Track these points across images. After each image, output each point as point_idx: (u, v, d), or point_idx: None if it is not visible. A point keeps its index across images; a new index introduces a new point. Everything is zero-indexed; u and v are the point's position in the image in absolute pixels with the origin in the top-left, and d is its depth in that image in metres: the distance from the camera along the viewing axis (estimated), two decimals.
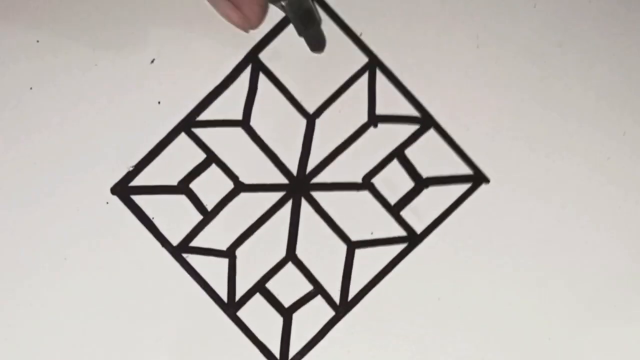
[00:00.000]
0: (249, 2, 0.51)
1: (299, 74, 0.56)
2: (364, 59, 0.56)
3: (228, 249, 0.55)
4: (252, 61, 0.56)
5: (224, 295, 0.55)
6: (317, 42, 0.55)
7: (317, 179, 0.56)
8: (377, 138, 0.56)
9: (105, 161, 0.54)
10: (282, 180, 0.56)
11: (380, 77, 0.57)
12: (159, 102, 0.55)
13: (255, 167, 0.55)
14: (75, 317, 0.54)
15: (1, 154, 0.54)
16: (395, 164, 0.56)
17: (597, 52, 0.59)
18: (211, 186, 0.55)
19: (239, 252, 0.55)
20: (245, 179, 0.55)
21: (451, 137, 0.57)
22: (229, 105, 0.55)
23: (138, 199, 0.54)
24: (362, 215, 0.56)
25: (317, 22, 0.53)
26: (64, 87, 0.54)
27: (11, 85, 0.54)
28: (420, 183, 0.56)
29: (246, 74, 0.56)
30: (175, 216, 0.55)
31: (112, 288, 0.54)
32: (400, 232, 0.56)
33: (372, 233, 0.56)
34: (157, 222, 0.55)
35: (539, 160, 0.58)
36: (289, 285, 0.56)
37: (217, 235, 0.55)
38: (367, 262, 0.56)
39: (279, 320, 0.55)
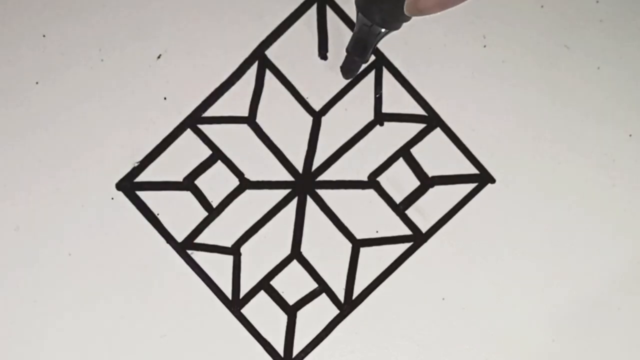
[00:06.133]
0: None
1: (305, 71, 0.55)
2: (371, 57, 0.56)
3: (233, 246, 0.54)
4: (259, 58, 0.55)
5: (228, 293, 0.54)
6: (349, 69, 0.53)
7: (322, 177, 0.55)
8: (383, 136, 0.55)
9: (111, 157, 0.53)
10: (288, 177, 0.55)
11: (387, 75, 0.56)
12: (165, 98, 0.54)
13: (261, 164, 0.54)
14: (79, 313, 0.53)
15: (6, 149, 0.53)
16: (401, 162, 0.56)
17: (604, 54, 0.58)
18: (217, 183, 0.54)
19: (243, 249, 0.54)
20: (251, 175, 0.54)
21: (457, 136, 0.56)
22: (235, 101, 0.54)
23: (143, 194, 0.54)
24: (367, 214, 0.55)
25: (364, 58, 0.51)
26: (69, 82, 0.53)
27: (17, 80, 0.53)
28: (426, 182, 0.55)
29: (252, 71, 0.54)
30: (180, 212, 0.54)
31: (116, 284, 0.53)
32: (406, 231, 0.55)
33: (377, 232, 0.55)
34: (162, 219, 0.53)
35: (544, 161, 0.57)
36: (293, 283, 0.54)
37: (222, 232, 0.54)
38: (372, 261, 0.55)
39: (283, 317, 0.55)
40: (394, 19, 0.46)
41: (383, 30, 0.47)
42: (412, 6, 0.40)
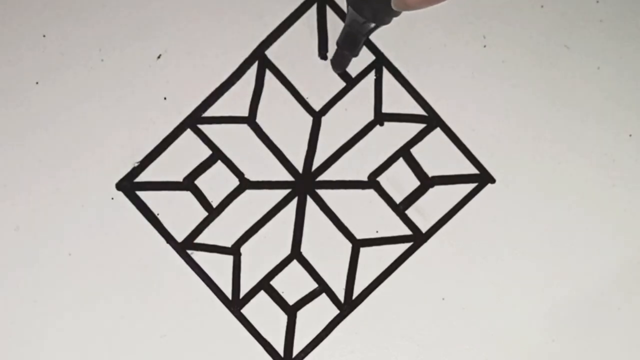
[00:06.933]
0: None
1: (305, 71, 0.55)
2: (370, 57, 0.56)
3: (233, 246, 0.54)
4: (259, 58, 0.54)
5: (228, 293, 0.54)
6: (339, 63, 0.54)
7: (322, 177, 0.55)
8: (383, 136, 0.55)
9: (111, 157, 0.53)
10: (288, 177, 0.55)
11: (387, 75, 0.56)
12: (165, 98, 0.54)
13: (260, 164, 0.54)
14: (79, 313, 0.53)
15: (6, 149, 0.53)
16: (401, 162, 0.55)
17: (604, 54, 0.57)
18: (217, 183, 0.54)
19: (243, 249, 0.54)
20: (251, 175, 0.54)
21: (457, 136, 0.56)
22: (235, 101, 0.54)
23: (143, 194, 0.53)
24: (367, 214, 0.55)
25: (353, 52, 0.52)
26: (69, 82, 0.53)
27: (17, 80, 0.53)
28: (426, 182, 0.55)
29: (252, 71, 0.54)
30: (180, 212, 0.54)
31: (116, 284, 0.53)
32: (406, 231, 0.55)
33: (377, 232, 0.55)
34: (162, 219, 0.53)
35: (544, 161, 0.57)
36: (293, 283, 0.54)
37: (222, 232, 0.54)
38: (372, 261, 0.55)
39: (283, 318, 0.54)
40: (384, 14, 0.46)
41: (373, 24, 0.48)
42: (399, 0, 0.40)
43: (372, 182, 0.55)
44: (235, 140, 0.54)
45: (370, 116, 0.55)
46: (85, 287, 0.53)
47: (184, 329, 0.53)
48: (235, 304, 0.53)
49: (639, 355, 0.57)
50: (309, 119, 0.55)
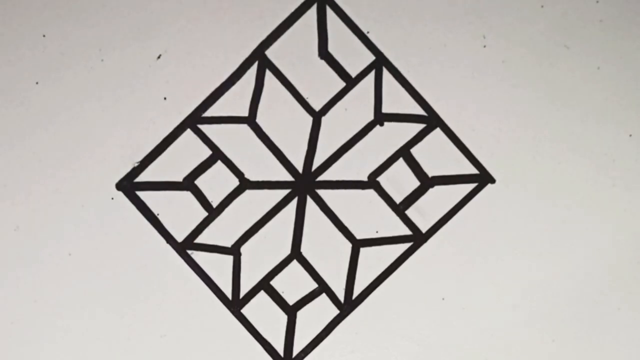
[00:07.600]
0: None
1: (305, 71, 0.55)
2: (370, 57, 0.56)
3: (233, 246, 0.54)
4: (259, 58, 0.54)
5: (228, 293, 0.54)
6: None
7: (322, 177, 0.55)
8: (383, 136, 0.55)
9: (111, 157, 0.53)
10: (288, 177, 0.55)
11: (386, 75, 0.56)
12: (164, 98, 0.54)
13: (261, 164, 0.54)
14: (79, 313, 0.53)
15: (6, 149, 0.53)
16: (401, 162, 0.55)
17: (604, 54, 0.57)
18: (217, 183, 0.54)
19: (243, 249, 0.54)
20: (251, 175, 0.54)
21: (457, 136, 0.56)
22: (235, 101, 0.54)
23: (143, 195, 0.53)
24: (367, 214, 0.55)
25: None
26: (69, 82, 0.53)
27: (17, 80, 0.53)
28: (426, 182, 0.55)
29: (253, 71, 0.54)
30: (180, 212, 0.53)
31: (116, 284, 0.53)
32: (406, 231, 0.55)
33: (377, 232, 0.55)
34: (162, 219, 0.53)
35: (544, 161, 0.57)
36: (293, 283, 0.54)
37: (222, 232, 0.54)
38: (372, 261, 0.55)
39: (283, 318, 0.55)
40: None
41: None
42: None
43: (372, 182, 0.55)
44: (235, 140, 0.54)
45: (370, 116, 0.55)
46: (85, 287, 0.53)
47: (184, 329, 0.53)
48: (235, 304, 0.54)
49: (638, 355, 0.57)
50: (309, 119, 0.55)
